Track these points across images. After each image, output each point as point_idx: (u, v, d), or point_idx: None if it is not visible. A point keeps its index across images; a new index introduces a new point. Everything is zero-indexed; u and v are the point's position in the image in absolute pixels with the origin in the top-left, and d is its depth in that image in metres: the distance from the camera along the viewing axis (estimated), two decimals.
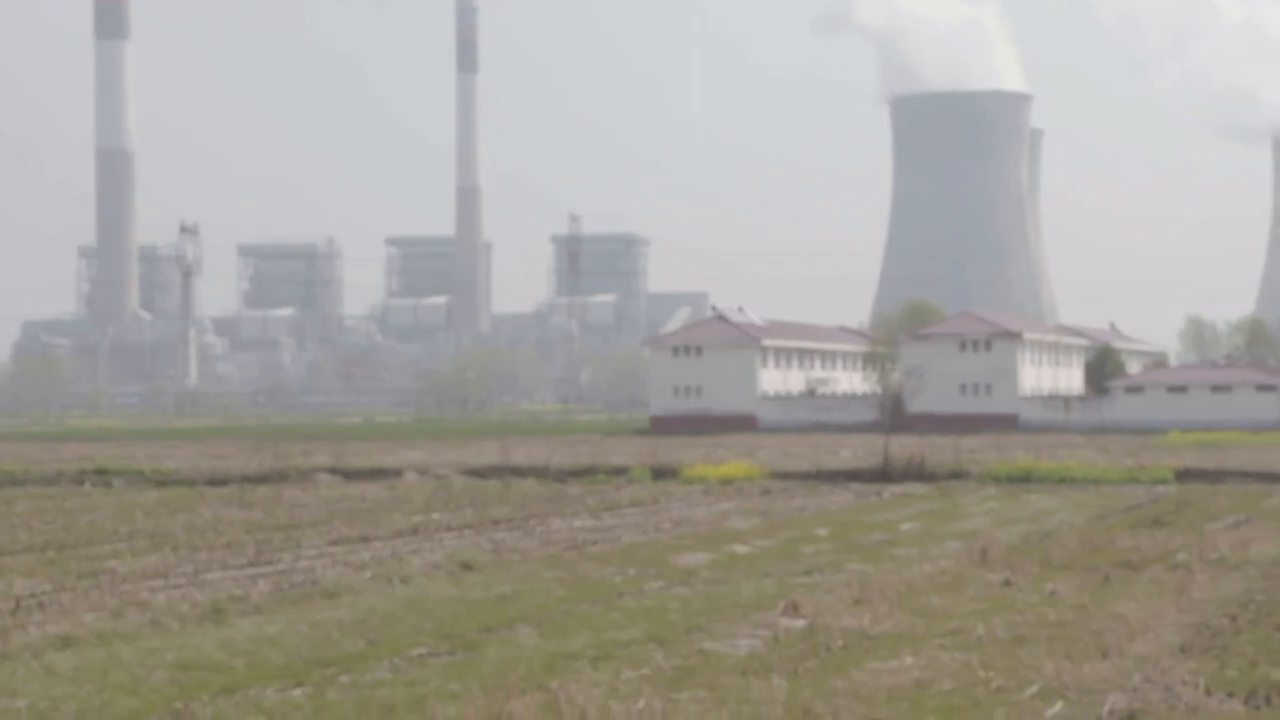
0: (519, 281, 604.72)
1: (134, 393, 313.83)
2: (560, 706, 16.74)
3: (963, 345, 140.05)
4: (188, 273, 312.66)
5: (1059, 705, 17.05)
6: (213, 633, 22.40)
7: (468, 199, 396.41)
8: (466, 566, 30.37)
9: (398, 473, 63.65)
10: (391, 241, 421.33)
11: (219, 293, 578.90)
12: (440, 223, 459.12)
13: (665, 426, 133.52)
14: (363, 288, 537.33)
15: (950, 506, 47.27)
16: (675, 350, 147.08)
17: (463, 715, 16.25)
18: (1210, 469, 61.11)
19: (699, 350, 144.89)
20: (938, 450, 71.26)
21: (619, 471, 62.56)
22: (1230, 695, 17.37)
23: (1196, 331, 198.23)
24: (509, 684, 17.66)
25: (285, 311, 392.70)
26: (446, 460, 72.01)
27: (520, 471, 63.57)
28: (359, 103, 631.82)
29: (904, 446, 68.99)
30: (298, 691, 18.25)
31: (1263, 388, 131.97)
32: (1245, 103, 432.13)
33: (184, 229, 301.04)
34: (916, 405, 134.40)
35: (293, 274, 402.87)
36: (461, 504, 47.75)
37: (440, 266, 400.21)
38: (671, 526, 40.01)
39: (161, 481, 60.94)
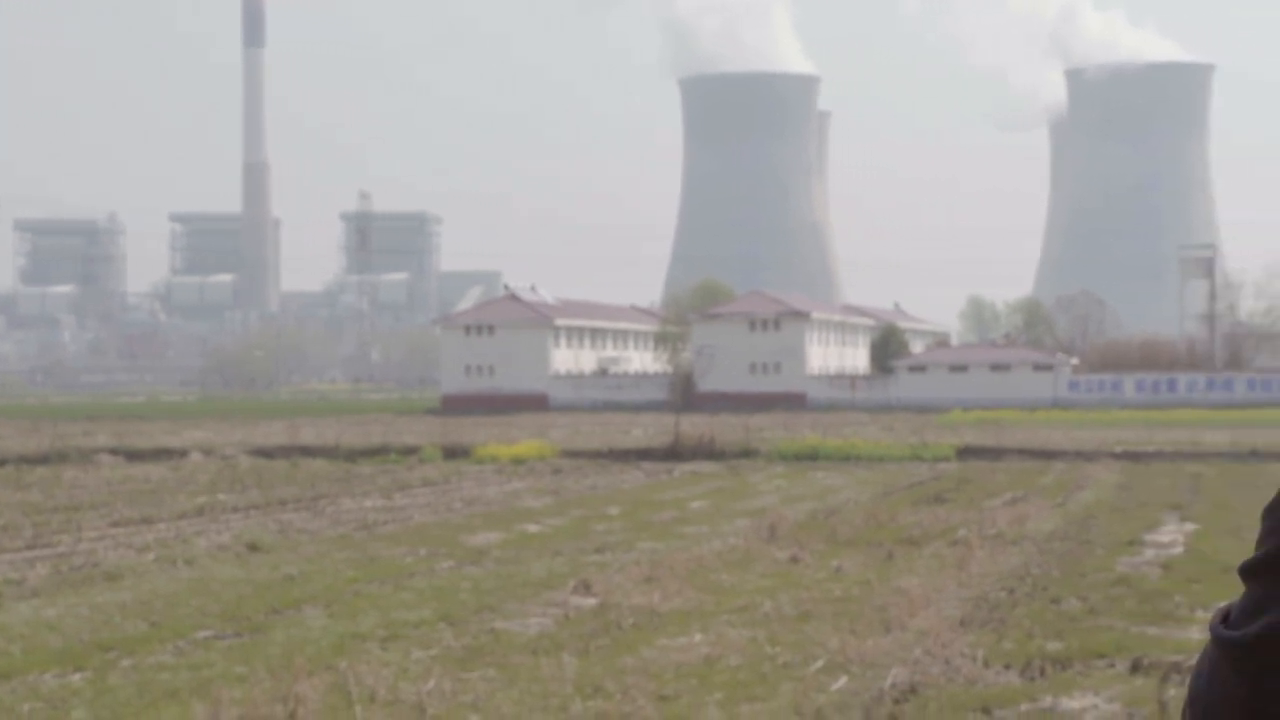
0: (308, 259, 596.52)
1: None
2: (349, 687, 16.57)
3: (752, 325, 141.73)
4: None
5: (843, 679, 17.35)
6: None
7: (255, 175, 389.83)
8: (253, 548, 29.90)
9: (182, 453, 62.42)
10: (176, 218, 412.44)
11: None
12: (227, 199, 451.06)
13: (457, 406, 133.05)
14: (146, 265, 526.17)
15: (739, 484, 47.82)
16: (467, 329, 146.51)
17: (249, 698, 15.99)
18: (990, 446, 62.78)
19: (491, 329, 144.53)
20: (727, 429, 72.04)
21: (410, 451, 62.14)
22: (1007, 667, 17.84)
23: (977, 312, 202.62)
24: (296, 666, 17.43)
25: (65, 288, 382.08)
26: (233, 440, 70.79)
27: (309, 451, 62.79)
28: (142, 76, 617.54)
29: (694, 425, 69.67)
30: (77, 676, 17.80)
31: (1039, 367, 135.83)
32: (1011, 88, 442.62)
33: None
34: (707, 384, 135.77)
35: (72, 250, 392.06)
36: (248, 484, 46.97)
37: (227, 243, 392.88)
38: (463, 506, 39.87)
39: None
